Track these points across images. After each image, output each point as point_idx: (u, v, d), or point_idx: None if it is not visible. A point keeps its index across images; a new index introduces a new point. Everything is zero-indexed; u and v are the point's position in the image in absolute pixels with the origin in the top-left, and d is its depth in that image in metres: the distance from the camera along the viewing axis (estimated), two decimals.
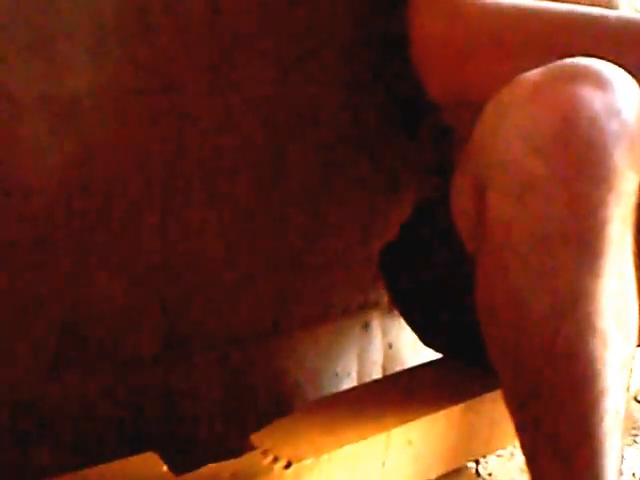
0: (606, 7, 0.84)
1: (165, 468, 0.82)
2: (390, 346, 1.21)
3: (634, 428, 1.18)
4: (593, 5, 0.83)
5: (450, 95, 0.85)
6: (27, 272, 0.87)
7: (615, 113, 0.66)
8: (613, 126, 0.65)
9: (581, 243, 0.66)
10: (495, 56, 0.81)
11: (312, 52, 1.02)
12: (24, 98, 0.83)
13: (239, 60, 0.96)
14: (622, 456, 0.70)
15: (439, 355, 1.08)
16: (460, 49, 0.82)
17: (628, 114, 0.67)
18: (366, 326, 1.17)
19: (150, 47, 0.90)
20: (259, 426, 0.90)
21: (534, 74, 0.69)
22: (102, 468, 0.81)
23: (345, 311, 1.14)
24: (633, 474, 1.08)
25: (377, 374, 1.20)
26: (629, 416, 1.19)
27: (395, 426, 0.93)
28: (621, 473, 0.71)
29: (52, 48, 0.84)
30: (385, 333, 1.20)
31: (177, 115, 0.93)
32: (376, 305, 1.17)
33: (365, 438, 0.91)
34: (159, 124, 0.92)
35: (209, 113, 0.95)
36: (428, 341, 1.06)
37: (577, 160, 0.65)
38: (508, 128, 0.68)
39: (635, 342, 0.71)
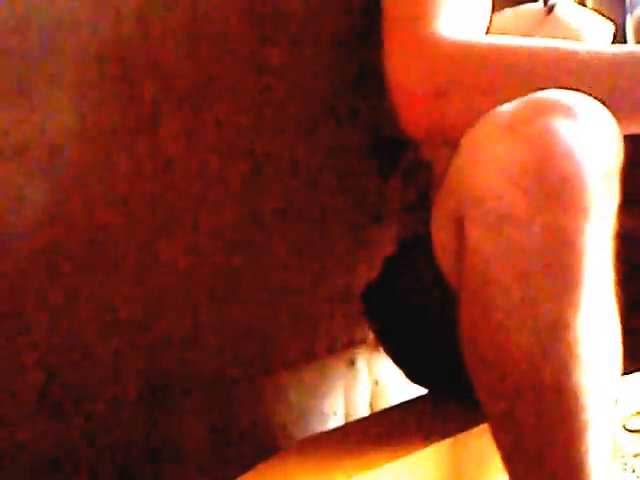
0: (576, 41, 0.86)
1: None
2: (377, 383, 1.21)
3: (623, 456, 1.18)
4: (565, 39, 0.84)
5: (427, 132, 0.86)
6: (7, 319, 0.86)
7: (590, 145, 0.67)
8: (587, 157, 0.66)
9: (560, 274, 0.66)
10: (471, 94, 0.82)
11: (291, 91, 1.03)
12: (3, 145, 0.83)
13: (217, 99, 0.97)
14: None
15: (426, 390, 1.07)
16: (436, 88, 0.83)
17: (602, 146, 0.68)
18: (352, 363, 1.17)
19: (129, 89, 0.90)
20: (245, 467, 0.89)
21: (508, 107, 0.70)
22: None
23: (330, 349, 1.14)
24: None
25: (364, 411, 1.19)
26: (617, 445, 1.19)
27: (383, 464, 0.92)
28: None
29: (32, 94, 0.84)
30: (371, 370, 1.20)
31: (157, 155, 0.93)
32: (362, 342, 1.17)
33: (353, 476, 0.90)
34: (139, 165, 0.92)
35: (188, 152, 0.96)
36: (413, 377, 1.06)
37: (553, 191, 0.66)
38: (484, 161, 0.69)
39: (619, 370, 0.71)
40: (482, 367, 0.71)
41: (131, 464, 0.96)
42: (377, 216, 1.15)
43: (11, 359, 0.87)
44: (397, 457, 0.93)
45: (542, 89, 0.71)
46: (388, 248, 1.07)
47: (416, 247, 0.95)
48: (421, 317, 0.96)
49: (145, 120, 0.92)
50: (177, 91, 0.94)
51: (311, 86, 1.05)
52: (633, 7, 0.97)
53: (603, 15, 0.94)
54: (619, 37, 0.95)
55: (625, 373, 0.75)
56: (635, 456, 1.18)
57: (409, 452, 0.94)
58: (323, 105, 1.06)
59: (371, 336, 1.16)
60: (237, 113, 0.99)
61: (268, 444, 1.08)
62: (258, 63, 1.00)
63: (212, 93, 0.97)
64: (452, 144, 0.75)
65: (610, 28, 0.94)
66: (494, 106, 0.72)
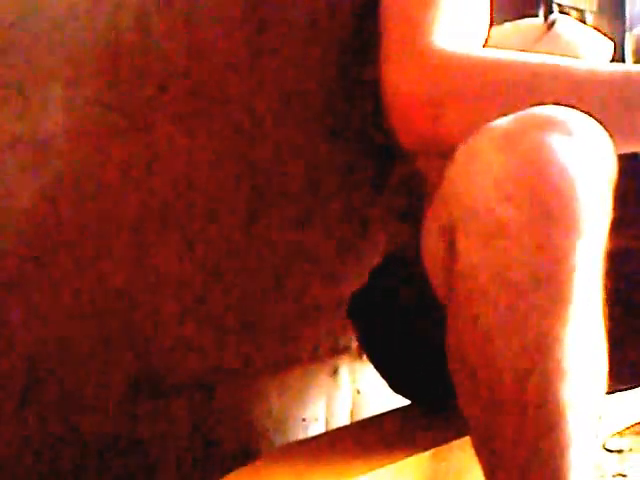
0: (574, 58, 0.86)
1: None
2: (358, 392, 1.20)
3: (603, 476, 1.18)
4: (562, 56, 0.84)
5: (420, 144, 0.86)
6: None
7: (583, 161, 0.67)
8: (582, 174, 0.66)
9: (550, 289, 0.66)
10: (465, 106, 0.82)
11: (285, 99, 1.03)
12: None
13: (211, 104, 0.97)
14: None
15: (408, 401, 1.07)
16: (430, 99, 0.83)
17: (596, 162, 0.68)
18: (335, 371, 1.17)
19: (122, 88, 0.90)
20: (225, 472, 0.88)
21: (503, 122, 0.70)
22: None
23: (314, 356, 1.13)
24: None
25: (345, 420, 1.19)
26: (597, 464, 1.19)
27: (363, 473, 0.92)
28: None
29: (26, 89, 0.83)
30: (354, 379, 1.19)
31: (149, 153, 0.93)
32: (345, 350, 1.17)
33: None
34: (130, 165, 0.92)
35: (181, 153, 0.95)
36: (396, 387, 1.06)
37: (546, 207, 0.66)
38: (478, 174, 0.68)
39: (604, 388, 0.71)
40: (467, 379, 0.71)
41: (112, 465, 0.96)
42: (365, 226, 1.14)
43: None
44: (377, 467, 0.93)
45: (538, 104, 0.71)
46: (375, 258, 1.07)
47: (403, 258, 0.95)
48: (406, 328, 0.96)
49: (139, 119, 0.92)
50: (172, 91, 0.94)
51: (304, 94, 1.05)
52: (632, 26, 0.98)
53: (602, 33, 0.95)
54: (618, 55, 0.96)
55: (607, 393, 0.75)
56: (614, 476, 1.18)
57: (389, 462, 0.94)
58: (316, 114, 1.06)
59: (355, 345, 1.15)
60: (232, 118, 0.99)
61: (248, 450, 1.07)
62: (254, 70, 1.00)
63: (207, 97, 0.97)
64: (446, 156, 0.74)
65: (609, 46, 0.94)
66: (489, 119, 0.72)
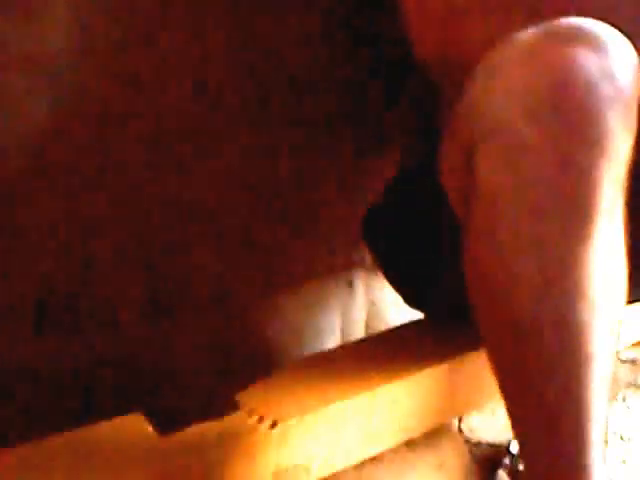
0: None
1: (150, 428, 0.82)
2: (373, 304, 1.21)
3: (619, 386, 1.19)
4: None
5: (438, 52, 0.84)
6: (7, 229, 0.86)
7: (610, 77, 0.65)
8: (608, 90, 0.64)
9: (571, 206, 0.65)
10: (483, 11, 0.80)
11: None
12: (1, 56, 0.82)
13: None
14: (607, 421, 0.70)
15: (421, 315, 1.08)
16: (448, 4, 0.80)
17: (623, 78, 0.66)
18: (350, 284, 1.17)
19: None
20: (244, 385, 0.90)
21: (528, 34, 0.68)
22: (87, 430, 0.80)
23: (329, 269, 1.14)
24: (621, 437, 1.09)
25: (360, 331, 1.20)
26: (614, 377, 1.20)
27: (380, 385, 0.93)
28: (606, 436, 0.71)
29: (30, 6, 0.82)
30: (369, 291, 1.20)
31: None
32: (360, 264, 1.17)
33: (350, 397, 0.91)
34: (137, 79, 0.91)
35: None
36: (410, 301, 1.06)
37: (570, 123, 0.64)
38: (499, 90, 0.67)
39: (622, 307, 0.71)
40: (484, 298, 0.70)
41: (130, 380, 0.97)
42: (380, 141, 1.13)
43: (9, 271, 0.87)
44: (394, 379, 0.94)
45: (558, 11, 0.68)
46: (389, 174, 1.06)
47: (419, 173, 0.94)
48: (419, 243, 0.96)
49: (144, 29, 0.90)
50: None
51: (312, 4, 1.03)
52: None
53: None
54: None
55: (627, 303, 0.74)
56: (627, 386, 1.20)
57: (405, 375, 0.95)
58: (331, 31, 1.04)
59: (369, 258, 1.16)
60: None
61: (266, 362, 1.09)
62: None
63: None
64: (464, 68, 0.72)
65: None
66: (506, 25, 0.69)
